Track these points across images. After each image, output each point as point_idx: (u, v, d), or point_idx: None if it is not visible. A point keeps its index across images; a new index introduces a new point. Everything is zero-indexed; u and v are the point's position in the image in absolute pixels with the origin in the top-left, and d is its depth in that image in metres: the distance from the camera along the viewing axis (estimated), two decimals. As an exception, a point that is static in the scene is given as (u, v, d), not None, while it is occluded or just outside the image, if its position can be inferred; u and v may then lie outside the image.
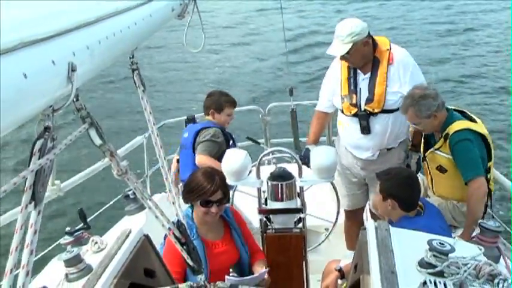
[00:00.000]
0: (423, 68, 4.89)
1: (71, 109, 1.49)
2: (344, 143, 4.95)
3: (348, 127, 4.79)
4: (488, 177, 4.32)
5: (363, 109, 4.58)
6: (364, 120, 4.62)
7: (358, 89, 4.58)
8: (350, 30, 4.38)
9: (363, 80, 4.58)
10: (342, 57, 4.52)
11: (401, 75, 4.49)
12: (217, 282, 2.12)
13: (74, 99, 1.41)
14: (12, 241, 1.31)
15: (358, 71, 4.62)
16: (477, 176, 4.13)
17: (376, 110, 4.55)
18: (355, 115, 4.65)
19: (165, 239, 3.74)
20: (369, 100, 4.53)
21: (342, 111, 4.75)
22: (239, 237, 4.01)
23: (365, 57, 4.52)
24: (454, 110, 4.40)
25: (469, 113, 4.42)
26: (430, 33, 23.04)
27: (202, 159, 4.87)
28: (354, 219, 5.18)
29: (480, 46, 20.39)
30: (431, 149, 4.39)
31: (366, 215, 5.24)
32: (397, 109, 4.48)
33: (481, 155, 4.22)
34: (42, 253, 4.15)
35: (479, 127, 4.27)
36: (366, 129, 4.64)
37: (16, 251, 1.30)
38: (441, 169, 4.37)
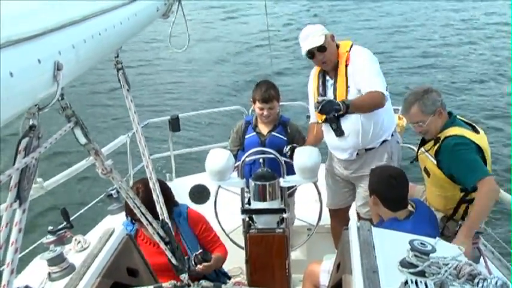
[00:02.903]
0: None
1: (56, 108, 1.49)
2: (328, 145, 5.03)
3: (326, 132, 4.87)
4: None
5: None
6: (334, 123, 4.68)
7: (325, 95, 4.62)
8: (316, 27, 4.61)
9: (331, 85, 4.65)
10: (320, 53, 4.54)
11: (358, 73, 4.50)
12: (201, 281, 2.13)
13: (59, 98, 1.41)
14: None
15: (327, 78, 4.72)
16: (486, 176, 3.80)
17: (341, 112, 4.55)
18: (325, 120, 4.73)
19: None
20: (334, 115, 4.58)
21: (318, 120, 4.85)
22: (189, 240, 4.04)
23: (335, 53, 4.61)
24: (462, 120, 4.21)
25: (475, 125, 4.18)
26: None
27: None
28: (336, 218, 5.22)
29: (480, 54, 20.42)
30: (422, 149, 4.26)
31: (354, 216, 5.25)
32: None
33: None
34: (24, 252, 4.12)
35: (479, 139, 3.99)
36: (338, 132, 4.69)
37: (1, 249, 1.30)
38: (427, 172, 4.23)
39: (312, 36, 4.50)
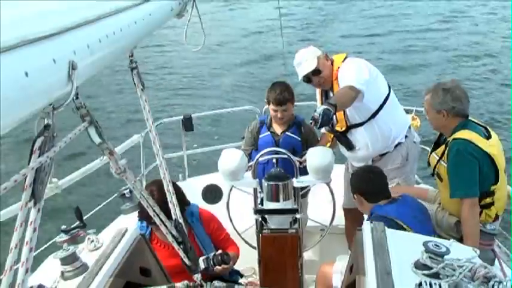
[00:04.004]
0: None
1: (71, 107, 1.50)
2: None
3: (340, 144, 4.98)
4: (491, 201, 4.02)
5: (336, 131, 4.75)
6: (341, 140, 4.80)
7: None
8: (308, 50, 4.66)
9: None
10: (316, 76, 4.61)
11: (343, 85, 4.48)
12: (214, 282, 2.12)
13: (74, 98, 1.41)
14: (11, 238, 1.32)
15: (330, 94, 4.73)
16: (467, 197, 3.92)
17: (343, 128, 4.69)
18: (333, 137, 4.89)
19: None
20: (336, 121, 4.66)
21: None
22: (203, 240, 4.07)
23: (331, 72, 4.63)
24: (475, 123, 4.13)
25: (489, 129, 4.12)
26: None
27: None
28: (350, 218, 5.21)
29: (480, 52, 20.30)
30: (434, 154, 4.23)
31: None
32: (367, 120, 4.60)
33: (484, 174, 3.92)
34: (38, 251, 4.14)
35: (488, 145, 3.92)
36: (348, 146, 4.80)
37: (16, 248, 1.30)
38: (439, 176, 4.19)
39: (304, 61, 4.58)
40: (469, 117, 4.11)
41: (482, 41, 21.88)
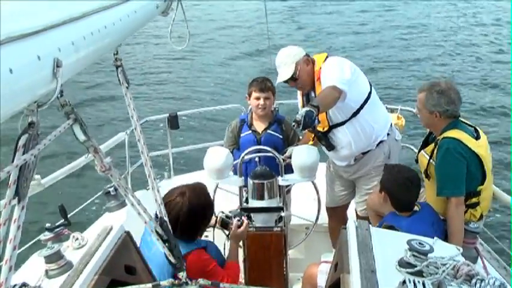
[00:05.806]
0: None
1: (55, 105, 1.49)
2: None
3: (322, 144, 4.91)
4: (477, 201, 4.09)
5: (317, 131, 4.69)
6: (323, 140, 4.73)
7: None
8: (288, 53, 4.53)
9: None
10: (293, 82, 4.56)
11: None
12: (199, 280, 2.12)
13: (59, 95, 1.40)
14: None
15: (311, 97, 4.69)
16: (453, 196, 3.96)
17: (325, 129, 4.64)
18: (314, 138, 4.83)
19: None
20: (318, 121, 4.58)
21: None
22: None
23: (310, 76, 4.57)
24: (465, 123, 4.16)
25: (479, 130, 4.14)
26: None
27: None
28: (334, 217, 5.22)
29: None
30: (423, 152, 4.24)
31: (352, 215, 5.24)
32: (348, 119, 4.55)
33: (472, 174, 3.97)
34: (22, 249, 4.11)
35: (477, 146, 3.95)
36: (329, 147, 4.75)
37: None
38: (427, 174, 4.21)
39: (283, 66, 4.51)
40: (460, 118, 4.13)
41: (472, 37, 22.00)
